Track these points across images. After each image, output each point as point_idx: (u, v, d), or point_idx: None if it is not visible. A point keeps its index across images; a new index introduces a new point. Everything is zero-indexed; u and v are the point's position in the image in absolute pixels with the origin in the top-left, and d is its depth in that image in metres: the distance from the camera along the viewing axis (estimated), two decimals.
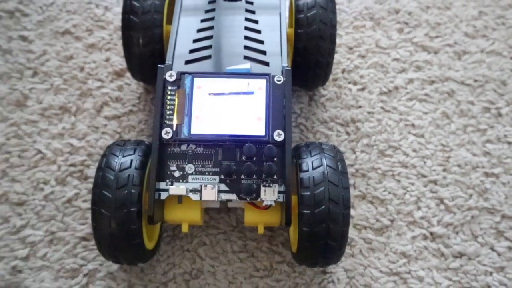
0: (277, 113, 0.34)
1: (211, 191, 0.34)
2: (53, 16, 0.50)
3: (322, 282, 0.39)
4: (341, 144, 0.45)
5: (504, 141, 0.46)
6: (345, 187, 0.33)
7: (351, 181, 0.43)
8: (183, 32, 0.39)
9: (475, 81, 0.48)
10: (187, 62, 0.38)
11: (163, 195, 0.34)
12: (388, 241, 0.41)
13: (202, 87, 0.35)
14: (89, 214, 0.41)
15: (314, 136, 0.45)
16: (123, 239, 0.33)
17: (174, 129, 0.34)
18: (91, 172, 0.43)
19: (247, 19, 0.40)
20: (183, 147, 0.35)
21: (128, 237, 0.33)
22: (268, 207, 0.34)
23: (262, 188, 0.33)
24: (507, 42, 0.50)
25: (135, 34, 0.39)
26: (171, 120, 0.35)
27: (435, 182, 0.44)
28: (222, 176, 0.34)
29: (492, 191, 0.43)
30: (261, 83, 0.35)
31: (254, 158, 0.34)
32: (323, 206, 0.32)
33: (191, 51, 0.38)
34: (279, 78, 0.35)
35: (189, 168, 0.34)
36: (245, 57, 0.38)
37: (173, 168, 0.34)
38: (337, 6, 0.52)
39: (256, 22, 0.40)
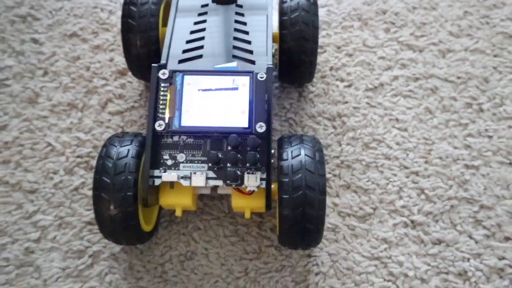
0: (260, 107, 0.38)
1: (200, 177, 0.37)
2: (61, 20, 0.54)
3: (307, 265, 0.42)
4: (327, 137, 0.48)
5: (484, 135, 0.48)
6: (321, 175, 0.36)
7: (337, 172, 0.46)
8: (177, 34, 0.43)
9: (458, 78, 0.50)
10: (180, 61, 0.41)
11: (157, 181, 0.37)
12: (370, 228, 0.44)
13: (192, 84, 0.38)
14: None
15: (302, 130, 0.48)
16: (121, 221, 0.37)
17: (166, 121, 0.38)
18: None
19: (236, 21, 0.44)
20: (175, 138, 0.38)
21: (125, 219, 0.37)
22: (251, 192, 0.37)
23: (246, 175, 0.37)
24: (490, 41, 0.52)
25: (133, 36, 0.43)
26: (164, 113, 0.38)
27: (416, 173, 0.46)
28: (210, 164, 0.37)
29: (472, 182, 0.46)
30: (245, 79, 0.38)
31: (239, 148, 0.37)
32: (300, 192, 0.35)
33: (184, 51, 0.42)
34: (262, 75, 0.38)
35: (181, 157, 0.38)
36: (234, 56, 0.41)
37: (166, 157, 0.38)
38: (327, 8, 0.55)
39: (244, 24, 0.44)
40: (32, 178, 0.46)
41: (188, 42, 0.42)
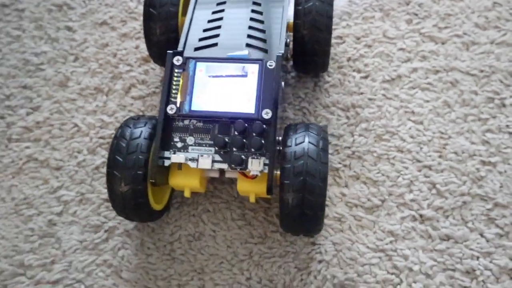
0: (268, 95, 0.38)
1: (206, 160, 0.39)
2: (94, 9, 0.57)
3: (311, 253, 0.43)
4: (340, 128, 0.48)
5: (505, 131, 0.46)
6: (323, 162, 0.36)
7: (347, 162, 0.46)
8: (195, 23, 0.44)
9: (481, 71, 0.49)
10: (196, 49, 0.43)
11: (167, 162, 0.39)
12: (377, 219, 0.44)
13: (203, 70, 0.40)
14: None
15: (315, 119, 0.48)
16: (130, 198, 0.39)
17: (178, 105, 0.40)
18: None
19: (253, 11, 0.45)
20: (186, 121, 0.40)
21: (135, 196, 0.39)
22: (255, 177, 0.38)
23: (250, 160, 0.38)
24: None
25: (154, 25, 0.45)
26: (176, 98, 0.40)
27: (429, 167, 0.45)
28: (216, 148, 0.39)
29: (487, 179, 0.44)
30: (254, 67, 0.39)
31: (246, 133, 0.38)
32: (301, 178, 0.36)
33: (200, 39, 0.43)
34: (271, 64, 0.39)
35: (190, 140, 0.39)
36: (247, 45, 0.42)
37: (176, 139, 0.40)
38: None
39: (261, 13, 0.44)
40: (58, 156, 0.49)
41: (204, 30, 0.44)
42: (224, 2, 0.46)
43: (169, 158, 0.39)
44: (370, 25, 0.52)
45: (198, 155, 0.39)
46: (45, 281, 0.44)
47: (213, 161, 0.39)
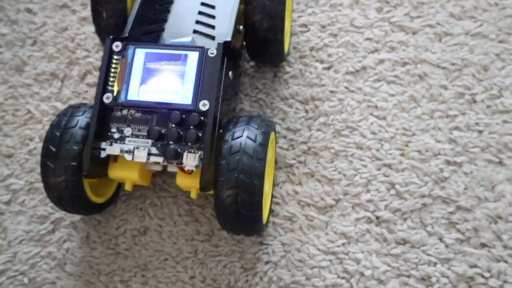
0: (206, 85, 0.36)
1: (142, 152, 0.36)
2: None
3: (258, 253, 0.41)
4: (297, 121, 0.45)
5: (474, 129, 0.43)
6: (260, 159, 0.34)
7: (302, 158, 0.44)
8: (143, 7, 0.42)
9: (453, 64, 0.45)
10: (143, 34, 0.40)
11: (103, 154, 0.37)
12: (330, 220, 0.41)
13: (142, 58, 0.38)
14: None
15: (272, 112, 0.46)
16: (64, 189, 0.37)
17: (115, 94, 0.37)
18: None
19: None
20: (124, 111, 0.38)
21: (68, 188, 0.37)
22: (190, 172, 0.36)
23: (185, 154, 0.36)
24: (497, 25, 0.46)
25: (101, 8, 0.43)
26: (113, 86, 0.38)
27: (389, 166, 0.43)
28: (153, 140, 0.37)
29: (451, 180, 0.41)
30: (195, 55, 0.37)
31: (183, 125, 0.36)
32: (235, 175, 0.33)
33: (148, 24, 0.41)
34: (212, 51, 0.37)
35: (127, 131, 0.37)
36: (195, 31, 0.40)
37: (114, 130, 0.38)
38: None
39: None
40: (10, 143, 0.48)
41: (154, 15, 0.41)
42: None
43: (104, 149, 0.37)
44: (338, 12, 0.49)
45: (134, 147, 0.37)
46: None
47: (149, 154, 0.36)
